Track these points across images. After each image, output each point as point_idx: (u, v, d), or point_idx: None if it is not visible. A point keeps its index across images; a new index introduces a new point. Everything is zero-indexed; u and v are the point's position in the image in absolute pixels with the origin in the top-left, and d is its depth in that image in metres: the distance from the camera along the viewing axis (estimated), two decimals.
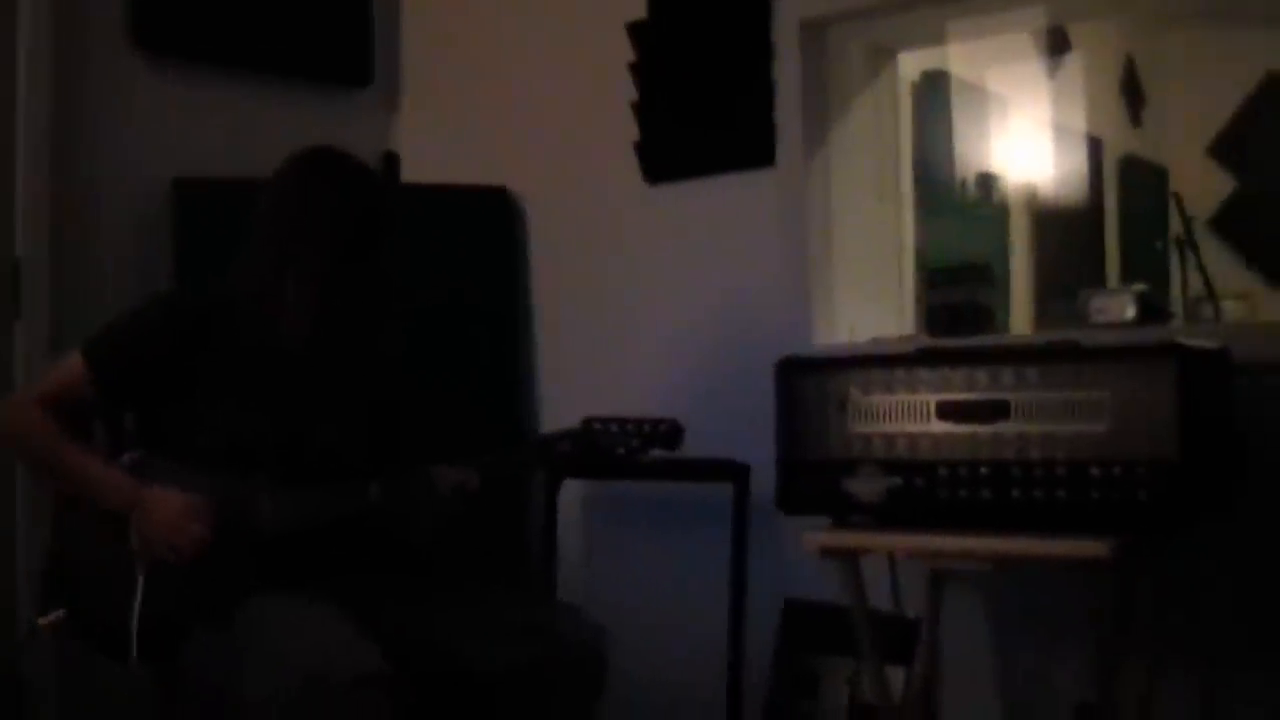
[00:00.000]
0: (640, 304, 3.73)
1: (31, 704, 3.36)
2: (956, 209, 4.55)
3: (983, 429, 2.65)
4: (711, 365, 3.52)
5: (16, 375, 3.45)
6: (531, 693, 2.70)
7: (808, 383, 2.82)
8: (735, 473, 3.32)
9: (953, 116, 4.53)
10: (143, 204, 3.66)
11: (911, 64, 3.86)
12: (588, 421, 2.80)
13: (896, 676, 3.00)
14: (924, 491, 2.70)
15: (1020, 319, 4.76)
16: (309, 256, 2.68)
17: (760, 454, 3.19)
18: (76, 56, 3.59)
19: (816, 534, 2.79)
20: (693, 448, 2.90)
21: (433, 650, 2.67)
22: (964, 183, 4.67)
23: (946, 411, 2.69)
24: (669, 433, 2.79)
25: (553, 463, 3.18)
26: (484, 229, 3.94)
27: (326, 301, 2.69)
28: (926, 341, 3.17)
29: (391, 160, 4.02)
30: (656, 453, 2.79)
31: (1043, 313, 4.82)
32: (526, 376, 3.96)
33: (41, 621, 2.67)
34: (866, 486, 2.75)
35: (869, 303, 3.56)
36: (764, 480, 3.20)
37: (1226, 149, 5.71)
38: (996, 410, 2.65)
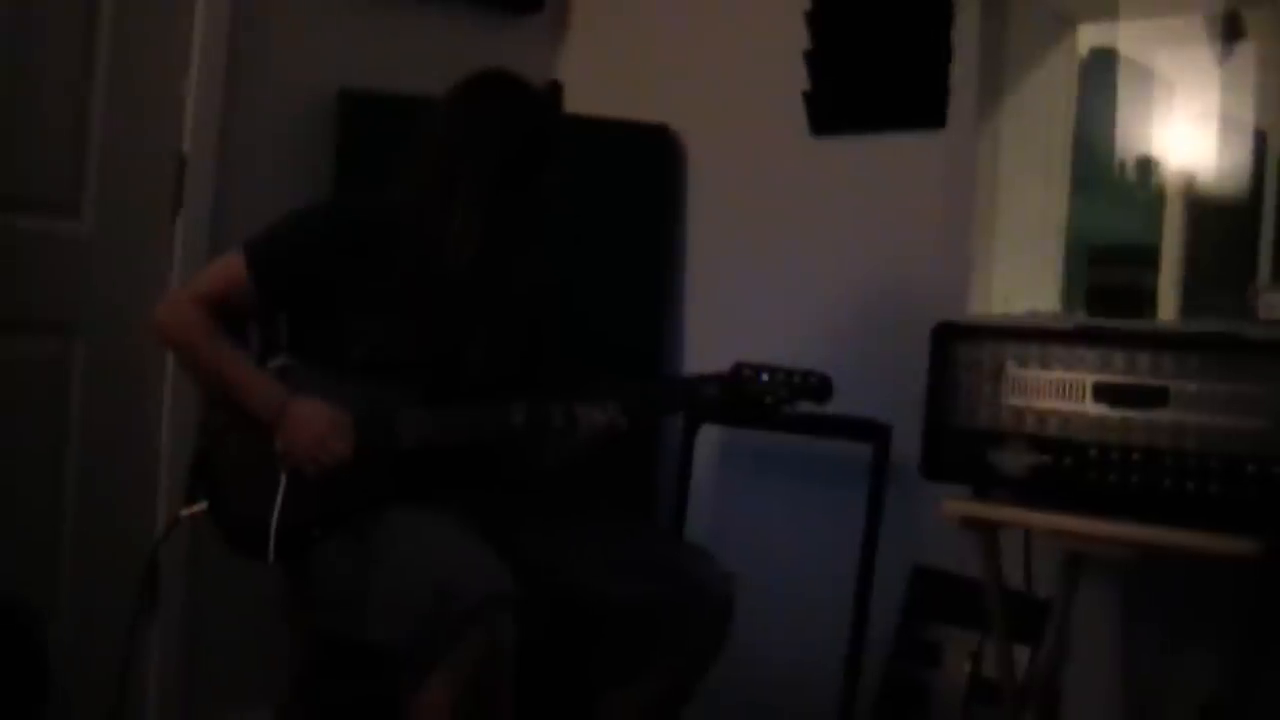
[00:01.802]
0: (795, 255, 3.67)
1: (163, 589, 3.40)
2: (1113, 190, 4.43)
3: (1139, 414, 2.59)
4: (862, 323, 3.47)
5: (175, 266, 3.47)
6: (655, 629, 2.69)
7: (963, 350, 2.76)
8: (877, 433, 3.27)
9: (1118, 96, 4.40)
10: (308, 111, 3.66)
11: (1081, 40, 3.75)
12: (738, 366, 2.74)
13: (1021, 655, 2.94)
14: (1071, 472, 2.64)
15: (1167, 307, 4.64)
16: (476, 182, 2.67)
17: (901, 417, 3.16)
18: None
19: (958, 503, 2.72)
20: (834, 405, 2.84)
21: (558, 578, 2.69)
22: (1123, 164, 4.55)
23: (1103, 393, 2.62)
24: (819, 386, 2.72)
25: (697, 405, 3.13)
26: (644, 165, 3.90)
27: (491, 228, 2.68)
28: (1085, 320, 3.08)
29: (556, 88, 3.98)
30: (803, 405, 2.73)
31: (1192, 302, 4.69)
32: (675, 318, 3.92)
33: (184, 513, 2.70)
34: (1013, 460, 2.69)
35: (1022, 276, 3.48)
36: (903, 444, 3.17)
37: None
38: (1155, 397, 2.57)
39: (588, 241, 3.53)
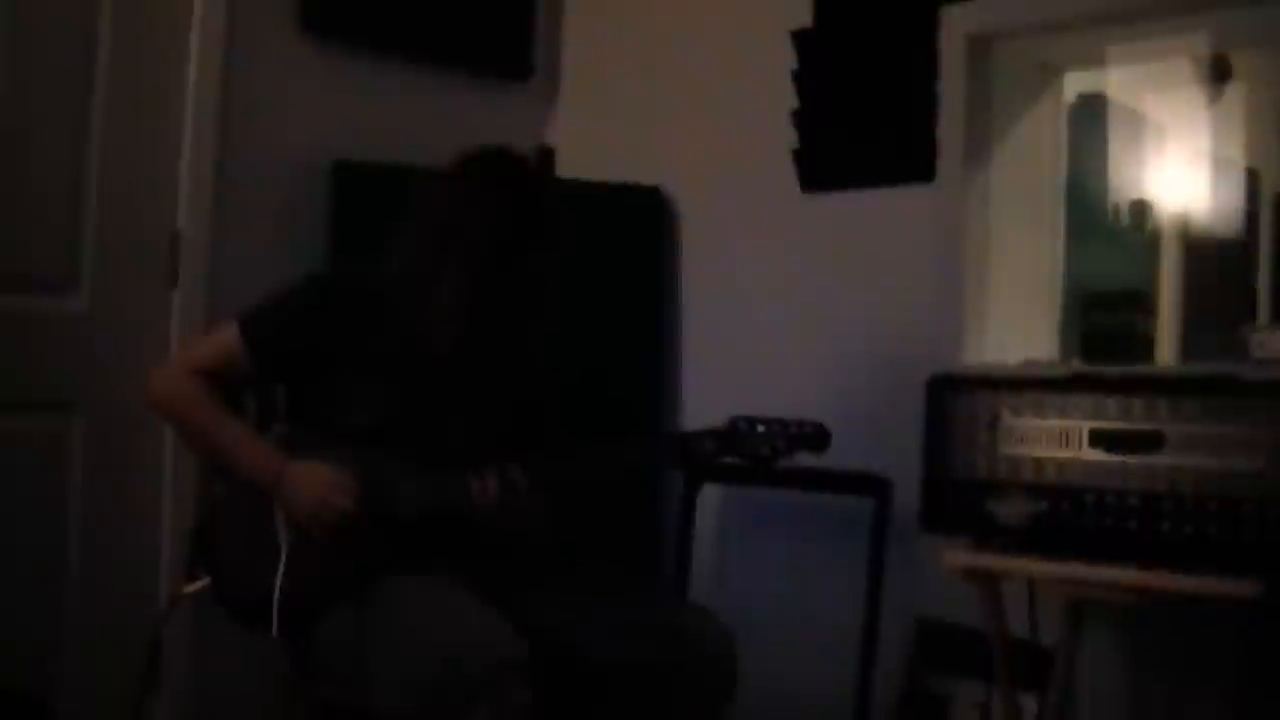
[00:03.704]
0: (790, 311, 3.69)
1: (167, 668, 3.40)
2: (1107, 235, 4.45)
3: (1135, 459, 2.60)
4: (858, 377, 3.48)
5: (173, 342, 3.50)
6: (658, 691, 2.67)
7: (959, 401, 2.78)
8: (878, 487, 3.27)
9: (1108, 141, 4.43)
10: (302, 184, 3.69)
11: (1069, 87, 3.78)
12: (734, 419, 2.74)
13: (1029, 704, 2.93)
14: (1070, 518, 2.65)
15: (1166, 350, 4.66)
16: (467, 259, 2.68)
17: (900, 469, 3.16)
18: (246, 38, 3.63)
19: (959, 554, 2.73)
20: (835, 459, 2.85)
21: (559, 640, 2.66)
22: (1116, 209, 4.57)
23: (1099, 439, 2.63)
24: (816, 435, 2.71)
25: (695, 460, 3.13)
26: (636, 227, 3.93)
27: (479, 304, 2.70)
28: (1080, 367, 3.09)
29: (548, 154, 4.02)
30: (802, 456, 2.73)
31: (1190, 344, 4.70)
32: (671, 377, 3.94)
33: (186, 589, 2.70)
34: (1011, 509, 2.70)
35: (1018, 325, 3.50)
36: (903, 495, 3.17)
37: None
38: (1150, 441, 2.59)
39: (583, 304, 3.52)
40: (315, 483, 2.63)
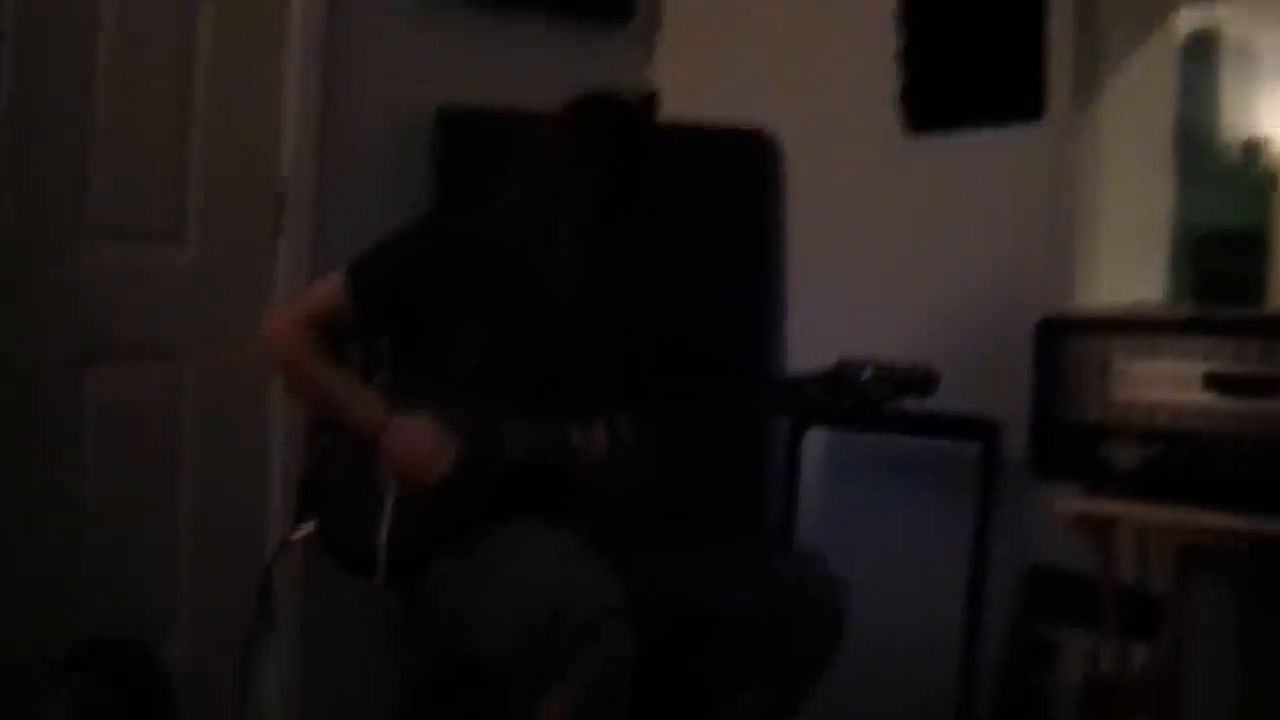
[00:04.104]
0: (896, 254, 3.64)
1: (277, 614, 3.45)
2: (1219, 175, 4.36)
3: (1251, 404, 2.54)
4: (966, 320, 3.42)
5: (277, 291, 3.54)
6: (764, 641, 2.67)
7: (1069, 344, 2.74)
8: (986, 431, 3.23)
9: (1220, 79, 4.34)
10: (407, 131, 3.69)
11: (1180, 23, 3.69)
12: (841, 363, 2.71)
13: (1138, 653, 2.89)
14: (1184, 464, 2.59)
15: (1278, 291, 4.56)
16: (580, 208, 2.67)
17: (1009, 413, 3.13)
18: None
19: (1070, 500, 2.69)
20: (941, 403, 2.82)
21: (667, 589, 2.67)
22: (1228, 148, 4.48)
23: (1213, 383, 2.57)
24: (924, 379, 2.68)
25: (802, 405, 3.11)
26: (740, 169, 3.89)
27: (594, 254, 2.69)
28: (1194, 309, 3.03)
29: (653, 98, 3.99)
30: (909, 400, 2.70)
31: None
32: (776, 322, 3.91)
33: (293, 535, 2.72)
34: (1124, 455, 2.65)
35: (1128, 267, 3.43)
36: (1012, 441, 3.14)
37: None
38: (1266, 385, 2.52)
39: (687, 248, 3.52)
40: (418, 441, 2.63)
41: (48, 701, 2.66)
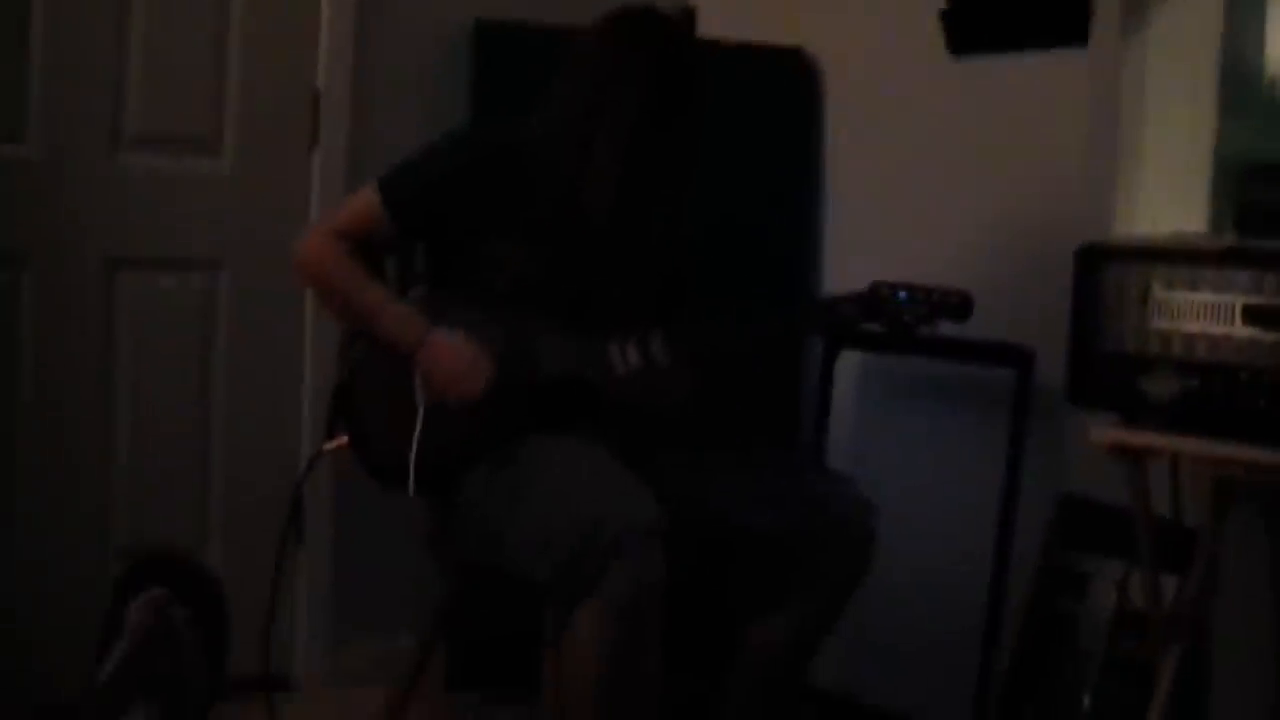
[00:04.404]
0: (936, 177, 3.60)
1: (308, 527, 3.48)
2: (1263, 107, 4.31)
3: None
4: (1004, 246, 3.40)
5: (313, 202, 3.54)
6: (795, 560, 2.68)
7: (1109, 273, 2.70)
8: (1020, 358, 3.21)
9: (1268, 10, 4.28)
10: (444, 43, 3.66)
11: None
12: (876, 285, 2.72)
13: (1169, 585, 2.89)
14: (1222, 397, 2.57)
15: None
16: (618, 123, 2.66)
17: (1045, 341, 3.11)
18: None
19: (1105, 430, 2.68)
20: (976, 329, 2.83)
21: (699, 506, 2.68)
22: (1274, 81, 4.42)
23: (1254, 316, 2.54)
24: (959, 304, 2.68)
25: (836, 325, 3.10)
26: (779, 89, 3.85)
27: (631, 171, 2.68)
28: (1235, 240, 3.00)
29: (690, 14, 3.95)
30: (944, 324, 2.70)
31: None
32: (813, 242, 3.88)
33: (325, 446, 2.74)
34: (1161, 386, 2.63)
35: (1169, 196, 3.40)
36: (1047, 369, 3.12)
37: None
38: None
39: (724, 168, 3.50)
40: (453, 357, 2.64)
41: (115, 616, 2.69)
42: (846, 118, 3.85)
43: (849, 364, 3.67)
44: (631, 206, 2.71)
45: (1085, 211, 3.24)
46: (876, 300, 2.71)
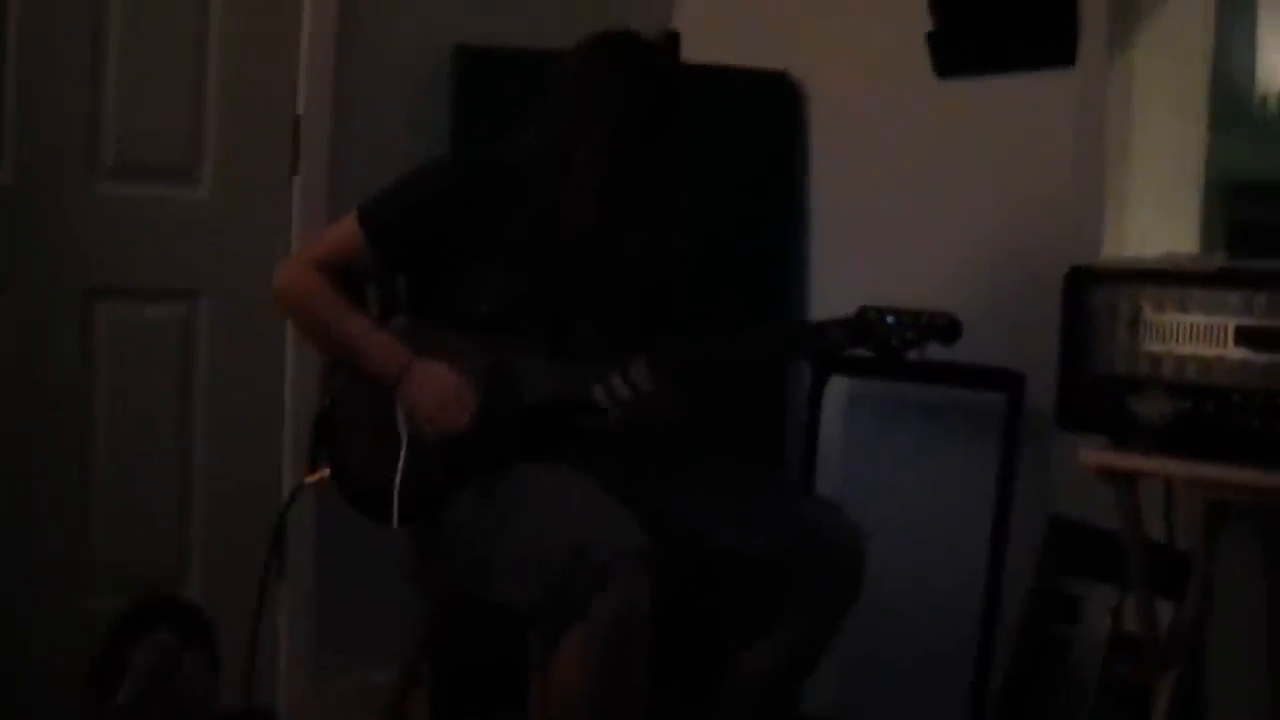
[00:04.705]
0: (923, 200, 3.59)
1: (290, 557, 3.45)
2: (1253, 124, 4.31)
3: None
4: (992, 269, 3.39)
5: (294, 227, 3.52)
6: (783, 585, 2.66)
7: (1098, 295, 2.69)
8: (1010, 382, 3.20)
9: (1258, 26, 4.28)
10: (425, 68, 3.65)
11: None
12: (863, 309, 2.70)
13: (1164, 610, 2.87)
14: (1213, 419, 2.56)
15: None
16: (598, 140, 2.66)
17: (1034, 364, 3.10)
18: None
19: (1094, 452, 2.66)
20: (965, 353, 2.81)
21: (687, 530, 2.67)
22: (1265, 99, 4.43)
23: (1246, 337, 2.53)
24: (947, 326, 2.66)
25: (823, 349, 3.10)
26: (763, 112, 3.84)
27: (611, 185, 2.67)
28: (1226, 261, 2.99)
29: (673, 39, 3.95)
30: (932, 348, 2.69)
31: None
32: (799, 267, 3.87)
33: (308, 479, 2.72)
34: (1152, 408, 2.62)
35: (1159, 216, 3.39)
36: (1036, 392, 3.11)
37: None
38: None
39: (707, 191, 3.48)
40: (436, 388, 2.64)
41: (116, 657, 2.70)
42: (832, 140, 3.85)
43: (836, 389, 3.65)
44: (613, 220, 2.70)
45: (1075, 233, 3.23)
46: (864, 325, 2.69)
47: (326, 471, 2.69)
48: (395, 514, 2.62)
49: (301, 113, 3.53)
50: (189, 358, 3.44)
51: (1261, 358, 2.51)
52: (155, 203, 3.38)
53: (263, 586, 2.78)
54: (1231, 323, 2.55)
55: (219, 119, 3.44)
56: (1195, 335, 2.58)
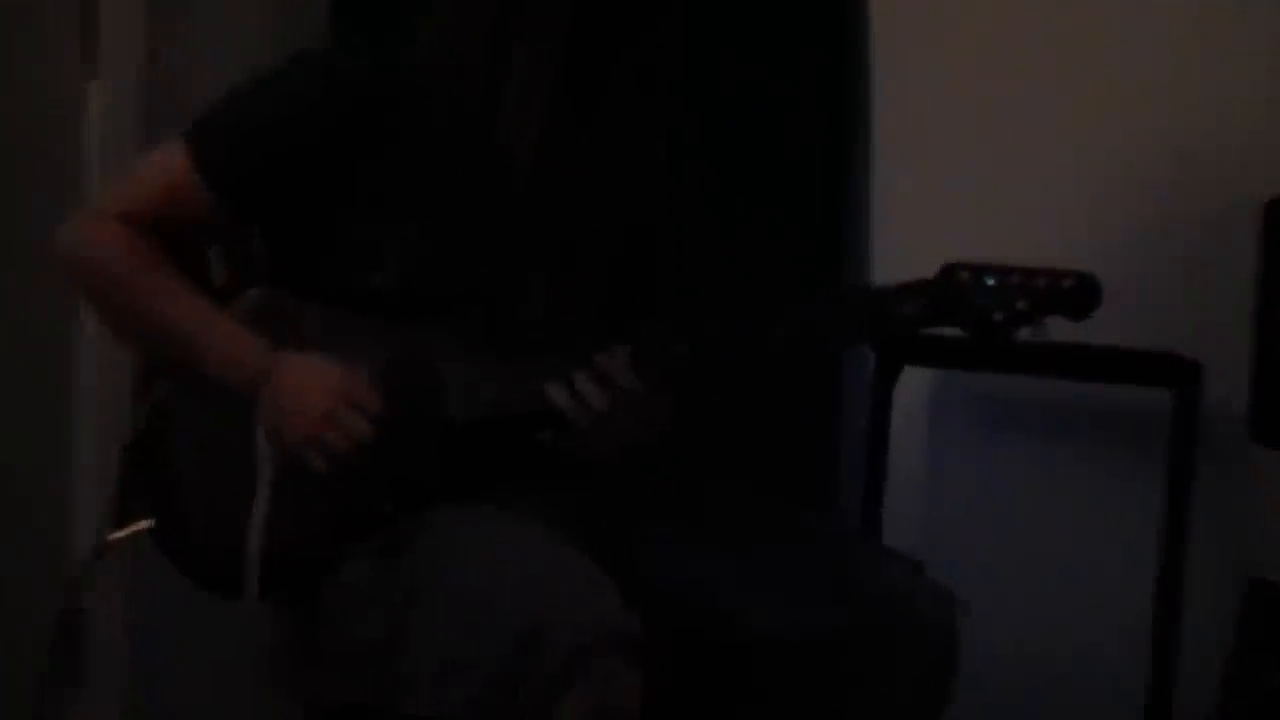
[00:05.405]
0: (1036, 123, 3.65)
1: (93, 652, 3.50)
2: None
3: None
4: (1148, 211, 3.44)
5: (91, 159, 3.58)
6: (843, 674, 2.68)
7: None
8: (1179, 373, 3.23)
9: None
10: None
11: None
12: (951, 268, 2.64)
13: None
14: None
15: None
16: (548, 37, 2.66)
17: (1211, 348, 3.18)
18: None
19: None
20: (1105, 332, 2.81)
21: (696, 605, 2.70)
22: None
23: None
24: (1076, 290, 2.57)
25: (893, 327, 3.09)
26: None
27: (567, 98, 2.69)
28: None
29: None
30: (1055, 322, 2.70)
31: None
32: (859, 214, 3.93)
33: (113, 537, 2.75)
34: None
35: None
36: (1217, 388, 3.19)
37: None
38: None
39: (726, 114, 3.54)
40: (316, 390, 2.61)
41: None
42: (904, 46, 3.92)
43: (913, 386, 3.72)
44: (569, 150, 2.74)
45: (1269, 154, 3.30)
46: (952, 290, 2.64)
47: (145, 524, 2.71)
48: (252, 584, 2.63)
49: None
50: None
51: None
52: None
53: (41, 704, 2.80)
54: None
55: None
56: None
